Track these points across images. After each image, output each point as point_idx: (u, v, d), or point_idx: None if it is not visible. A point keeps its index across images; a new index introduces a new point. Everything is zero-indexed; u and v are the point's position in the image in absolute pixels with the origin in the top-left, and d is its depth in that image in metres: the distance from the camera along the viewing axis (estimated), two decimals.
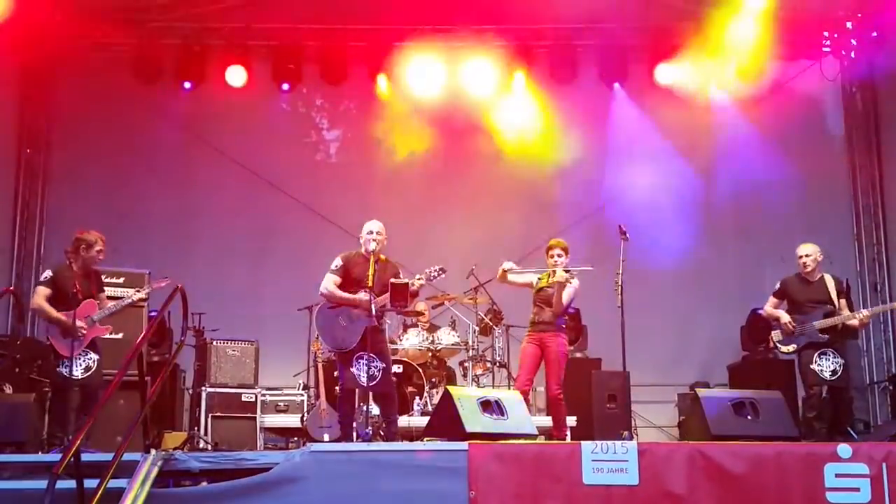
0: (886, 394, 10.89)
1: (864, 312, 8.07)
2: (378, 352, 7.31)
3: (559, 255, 7.88)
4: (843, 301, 8.06)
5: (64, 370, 7.30)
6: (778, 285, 8.26)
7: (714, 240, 11.64)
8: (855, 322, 8.01)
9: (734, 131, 11.80)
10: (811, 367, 7.85)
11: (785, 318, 8.05)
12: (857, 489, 6.08)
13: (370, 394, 7.48)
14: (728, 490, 6.07)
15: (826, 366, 7.83)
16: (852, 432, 7.71)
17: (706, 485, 6.07)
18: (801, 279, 8.16)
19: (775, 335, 8.15)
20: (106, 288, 8.09)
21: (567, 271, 7.70)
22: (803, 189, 11.68)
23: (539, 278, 7.97)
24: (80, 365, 7.33)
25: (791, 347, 8.05)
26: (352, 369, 7.28)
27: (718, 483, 6.08)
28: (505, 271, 7.95)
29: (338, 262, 7.52)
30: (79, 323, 7.31)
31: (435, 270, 7.43)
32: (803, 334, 7.95)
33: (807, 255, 8.09)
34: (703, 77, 11.81)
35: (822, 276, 8.15)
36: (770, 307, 8.23)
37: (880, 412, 11.18)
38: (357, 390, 7.46)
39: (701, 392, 7.44)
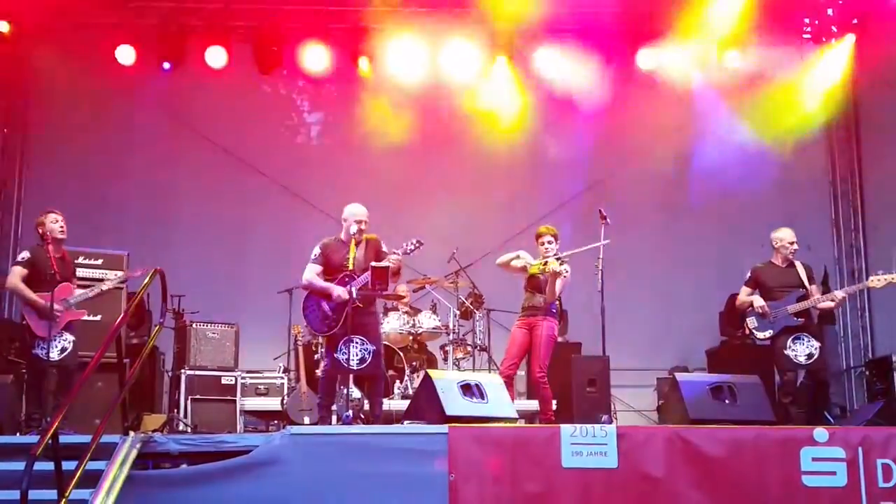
0: (863, 379, 10.98)
1: (839, 294, 8.09)
2: (366, 333, 7.28)
3: (549, 243, 7.89)
4: (813, 287, 8.04)
5: (40, 352, 7.26)
6: (749, 274, 8.23)
7: (694, 225, 11.68)
8: (831, 304, 8.03)
9: (715, 117, 11.80)
10: (785, 352, 7.83)
11: (758, 301, 8.02)
12: (834, 473, 6.16)
13: (351, 377, 7.47)
14: (706, 473, 6.13)
15: (800, 350, 7.81)
16: (829, 417, 7.77)
17: (684, 468, 6.13)
18: (772, 266, 8.15)
19: (750, 322, 8.11)
20: (83, 269, 8.06)
21: (559, 260, 7.70)
22: (782, 175, 11.73)
23: (532, 265, 7.96)
24: (56, 347, 7.28)
25: (767, 333, 7.99)
26: (337, 354, 7.26)
27: (696, 466, 6.14)
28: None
29: (316, 250, 7.50)
30: (56, 305, 7.27)
31: (411, 243, 7.36)
32: (777, 319, 7.92)
33: (791, 243, 8.07)
34: (685, 62, 11.83)
35: (793, 262, 8.13)
36: (744, 296, 8.20)
37: (857, 397, 11.29)
38: (338, 374, 7.45)
39: (680, 376, 7.50)
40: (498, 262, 8.15)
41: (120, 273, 7.72)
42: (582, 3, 11.55)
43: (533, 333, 7.81)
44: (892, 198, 11.23)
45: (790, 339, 7.84)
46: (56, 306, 7.29)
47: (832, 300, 8.02)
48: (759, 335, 8.06)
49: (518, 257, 8.00)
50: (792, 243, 8.09)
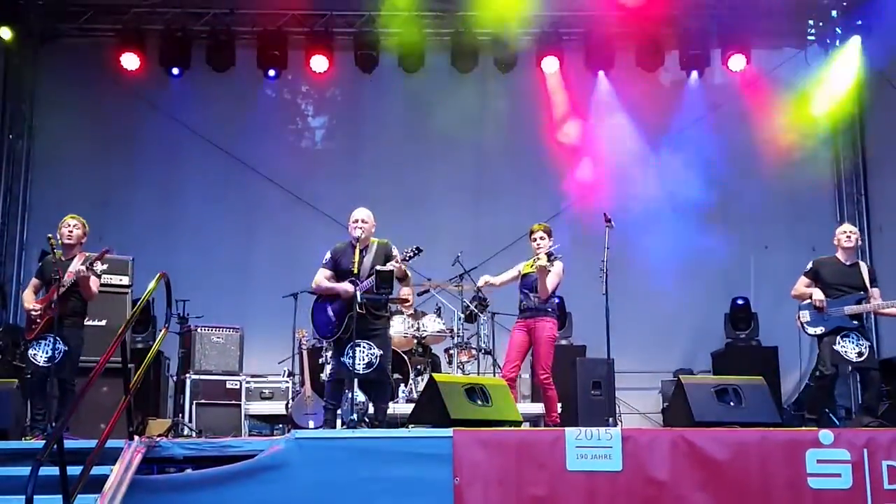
0: None
1: None
2: (373, 338, 7.23)
3: (541, 238, 7.91)
4: (875, 290, 7.78)
5: (30, 353, 7.29)
6: (810, 265, 7.94)
7: (698, 227, 11.65)
8: (894, 310, 7.73)
9: (719, 119, 11.83)
10: (833, 347, 7.59)
11: (818, 294, 7.71)
12: (839, 475, 6.13)
13: (356, 381, 7.46)
14: (711, 476, 6.11)
15: (850, 347, 7.57)
16: (834, 418, 7.74)
17: (689, 471, 6.11)
18: (836, 262, 7.86)
19: (804, 315, 7.81)
20: None
21: (549, 255, 7.70)
22: (787, 177, 11.72)
23: (524, 265, 7.98)
24: (45, 353, 7.21)
25: (818, 330, 7.72)
26: (343, 358, 7.25)
27: (701, 469, 6.12)
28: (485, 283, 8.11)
29: (327, 255, 7.50)
30: (32, 305, 7.34)
31: (410, 251, 7.31)
32: (832, 317, 7.67)
33: (852, 232, 7.88)
34: (689, 64, 11.85)
35: (858, 262, 7.92)
36: (802, 287, 7.91)
37: (862, 399, 11.23)
38: (345, 378, 7.42)
39: (684, 379, 7.47)
40: (499, 284, 8.22)
41: (80, 266, 7.55)
42: (587, 6, 11.60)
43: (533, 335, 7.80)
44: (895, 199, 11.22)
45: (839, 336, 7.62)
46: (32, 305, 7.34)
47: None
48: (810, 330, 7.79)
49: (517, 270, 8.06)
50: (844, 232, 7.88)
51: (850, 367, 7.73)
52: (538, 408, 8.46)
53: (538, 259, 7.68)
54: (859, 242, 8.05)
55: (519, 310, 7.98)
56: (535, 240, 7.94)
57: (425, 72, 11.78)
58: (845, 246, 7.86)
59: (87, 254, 7.61)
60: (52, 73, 11.76)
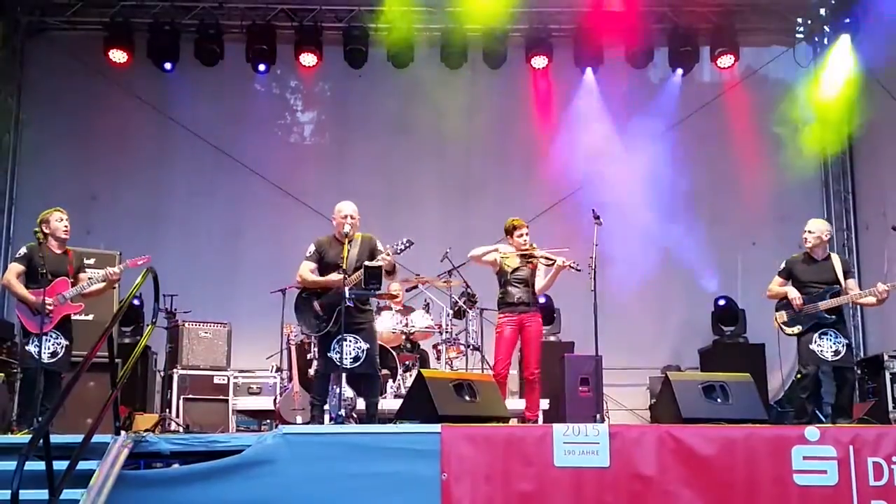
0: (854, 378, 10.99)
1: (881, 286, 7.55)
2: (359, 332, 7.23)
3: (527, 234, 7.97)
4: (850, 282, 7.75)
5: (32, 349, 7.11)
6: (783, 264, 7.91)
7: (687, 224, 11.69)
8: (872, 300, 7.65)
9: (707, 116, 11.86)
10: (810, 346, 7.59)
11: (793, 293, 7.69)
12: (825, 471, 6.15)
13: (343, 376, 7.44)
14: (697, 472, 6.12)
15: (826, 346, 7.56)
16: (820, 415, 7.76)
17: (676, 467, 6.12)
18: (807, 258, 7.82)
19: (780, 316, 7.80)
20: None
21: (543, 254, 7.75)
22: (775, 175, 11.75)
23: (511, 255, 7.98)
24: (48, 348, 7.13)
25: (796, 329, 7.70)
26: (330, 353, 7.24)
27: (688, 465, 6.13)
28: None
29: (311, 248, 7.46)
30: (47, 300, 7.15)
31: (402, 243, 7.27)
32: (809, 314, 7.64)
33: (809, 232, 7.79)
34: (678, 63, 11.88)
35: (830, 255, 7.86)
36: (776, 287, 7.87)
37: (836, 399, 11.28)
38: (332, 374, 7.41)
39: (672, 375, 7.48)
40: (472, 255, 8.19)
41: (113, 268, 7.57)
42: (575, 4, 11.61)
43: (524, 331, 7.83)
44: (882, 197, 11.26)
45: (817, 335, 7.60)
46: (48, 300, 7.15)
47: (874, 295, 7.58)
48: (788, 330, 7.76)
49: (497, 251, 8.04)
50: (803, 233, 7.81)
51: (826, 366, 7.66)
52: None
53: (558, 260, 7.74)
54: (826, 237, 7.88)
55: (508, 303, 7.97)
56: (522, 235, 7.98)
57: (414, 67, 11.78)
58: (807, 247, 7.84)
59: (74, 249, 7.56)
60: (38, 66, 11.70)
